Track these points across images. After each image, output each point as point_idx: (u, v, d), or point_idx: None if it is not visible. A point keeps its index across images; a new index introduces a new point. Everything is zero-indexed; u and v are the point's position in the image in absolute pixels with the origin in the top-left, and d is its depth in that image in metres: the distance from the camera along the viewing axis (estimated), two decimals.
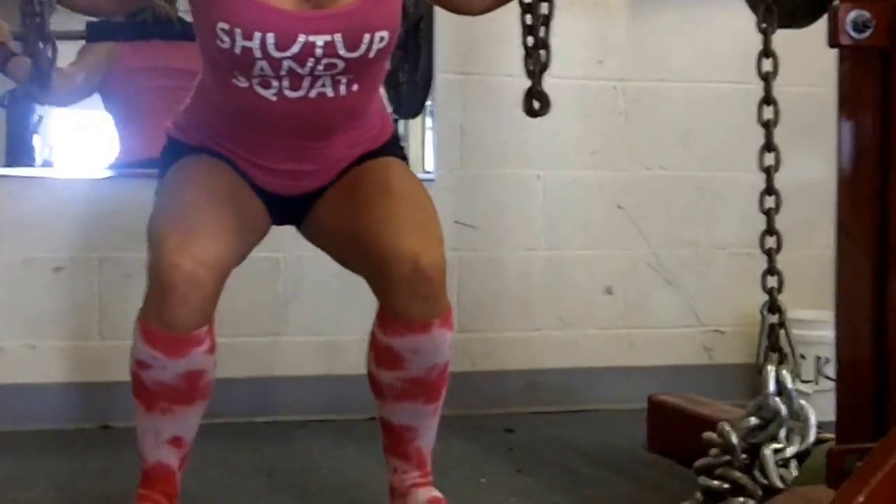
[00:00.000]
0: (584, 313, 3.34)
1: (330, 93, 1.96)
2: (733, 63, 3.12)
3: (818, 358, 3.10)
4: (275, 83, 1.93)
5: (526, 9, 1.92)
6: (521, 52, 2.17)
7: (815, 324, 3.05)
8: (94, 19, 3.01)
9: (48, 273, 3.01)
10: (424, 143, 3.27)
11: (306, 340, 3.17)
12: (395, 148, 2.17)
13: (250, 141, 2.04)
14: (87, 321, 3.04)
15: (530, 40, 1.89)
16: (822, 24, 1.87)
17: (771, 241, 2.04)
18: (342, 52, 1.91)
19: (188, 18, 2.01)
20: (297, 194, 2.10)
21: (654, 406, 2.81)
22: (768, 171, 1.99)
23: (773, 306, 2.03)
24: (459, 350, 3.07)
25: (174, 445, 2.01)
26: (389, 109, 2.96)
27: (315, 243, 2.20)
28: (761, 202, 2.04)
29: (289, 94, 1.94)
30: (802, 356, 3.20)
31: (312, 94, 1.95)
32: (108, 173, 3.15)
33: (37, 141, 3.18)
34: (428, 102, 3.17)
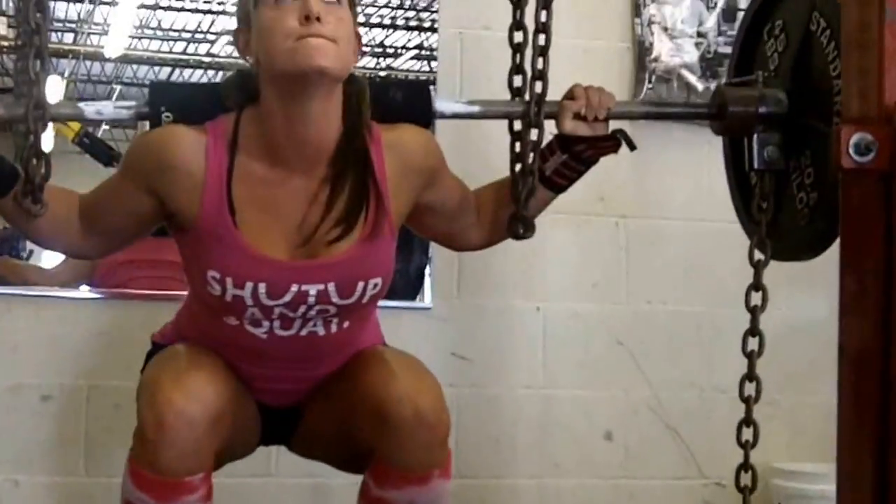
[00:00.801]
0: (583, 459, 3.26)
1: (321, 331, 1.97)
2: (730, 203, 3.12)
3: None
4: (266, 323, 1.94)
5: (515, 137, 1.94)
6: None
7: (816, 477, 3.00)
8: None
9: (36, 401, 2.95)
10: (423, 273, 3.23)
11: (297, 483, 3.08)
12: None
13: (237, 365, 2.02)
14: (72, 455, 2.96)
15: (518, 167, 1.91)
16: None
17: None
18: (335, 299, 1.93)
19: None
20: (282, 405, 2.09)
21: None
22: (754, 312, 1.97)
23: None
24: (455, 499, 3.00)
25: None
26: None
27: (311, 453, 2.17)
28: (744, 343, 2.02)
29: (279, 332, 1.95)
30: None
31: (303, 332, 1.96)
32: (98, 295, 3.11)
33: None
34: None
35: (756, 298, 2.03)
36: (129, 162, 1.99)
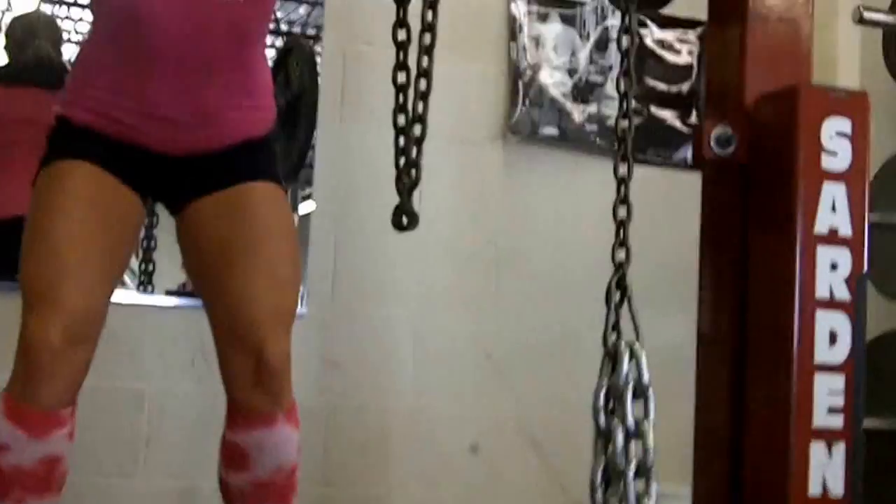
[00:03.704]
0: (447, 471, 3.29)
1: None
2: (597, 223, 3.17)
3: None
4: None
5: (399, 131, 2.01)
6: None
7: (674, 498, 3.07)
8: None
9: None
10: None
11: (163, 485, 3.06)
12: (272, 159, 2.19)
13: (135, 78, 2.04)
14: None
15: (402, 160, 1.98)
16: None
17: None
18: None
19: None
20: (180, 155, 2.08)
21: None
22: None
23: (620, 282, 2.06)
24: None
25: None
26: None
27: (181, 248, 2.18)
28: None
29: None
30: None
31: None
32: None
33: None
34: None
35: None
36: None
